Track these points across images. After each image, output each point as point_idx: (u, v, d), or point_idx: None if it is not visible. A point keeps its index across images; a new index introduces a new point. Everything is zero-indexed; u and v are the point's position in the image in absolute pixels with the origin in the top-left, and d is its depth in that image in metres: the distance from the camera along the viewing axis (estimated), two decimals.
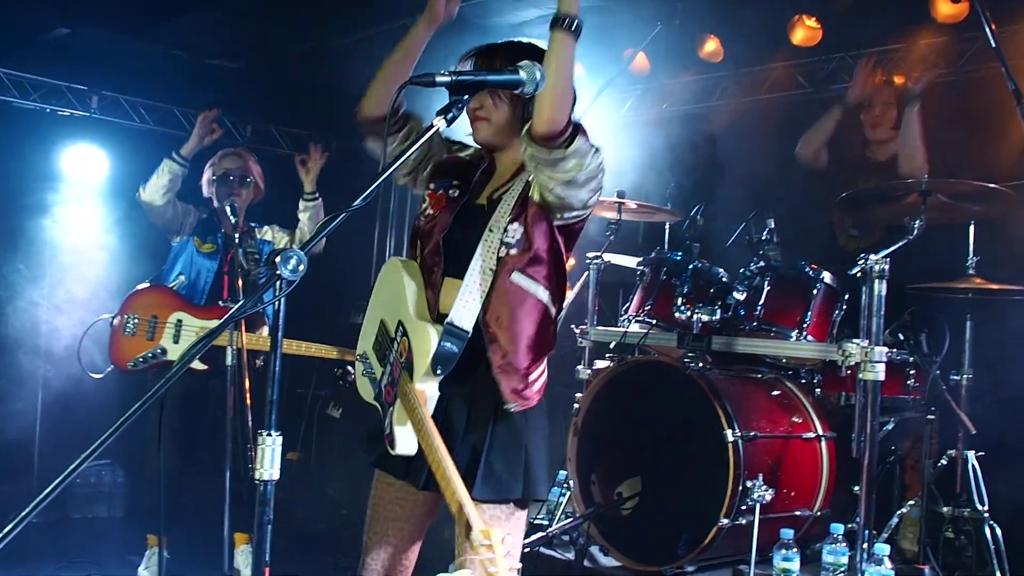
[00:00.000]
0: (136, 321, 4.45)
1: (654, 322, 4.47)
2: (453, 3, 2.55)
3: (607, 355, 4.74)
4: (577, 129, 2.29)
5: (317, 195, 4.87)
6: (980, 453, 3.89)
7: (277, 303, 1.69)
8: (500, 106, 2.49)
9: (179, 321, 4.45)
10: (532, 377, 2.47)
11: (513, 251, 2.41)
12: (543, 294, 2.47)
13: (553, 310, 2.51)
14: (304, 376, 6.65)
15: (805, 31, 5.17)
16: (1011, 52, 4.63)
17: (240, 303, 1.61)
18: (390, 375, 2.50)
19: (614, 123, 6.25)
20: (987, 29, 3.21)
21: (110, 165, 6.46)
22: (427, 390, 2.35)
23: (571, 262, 7.58)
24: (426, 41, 2.57)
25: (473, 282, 2.41)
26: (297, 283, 1.64)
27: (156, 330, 4.44)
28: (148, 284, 4.67)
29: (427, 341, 2.37)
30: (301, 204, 4.87)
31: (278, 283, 1.64)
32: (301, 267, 1.62)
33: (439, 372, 2.35)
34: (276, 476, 1.81)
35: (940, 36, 5.03)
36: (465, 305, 2.40)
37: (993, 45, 3.20)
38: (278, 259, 1.59)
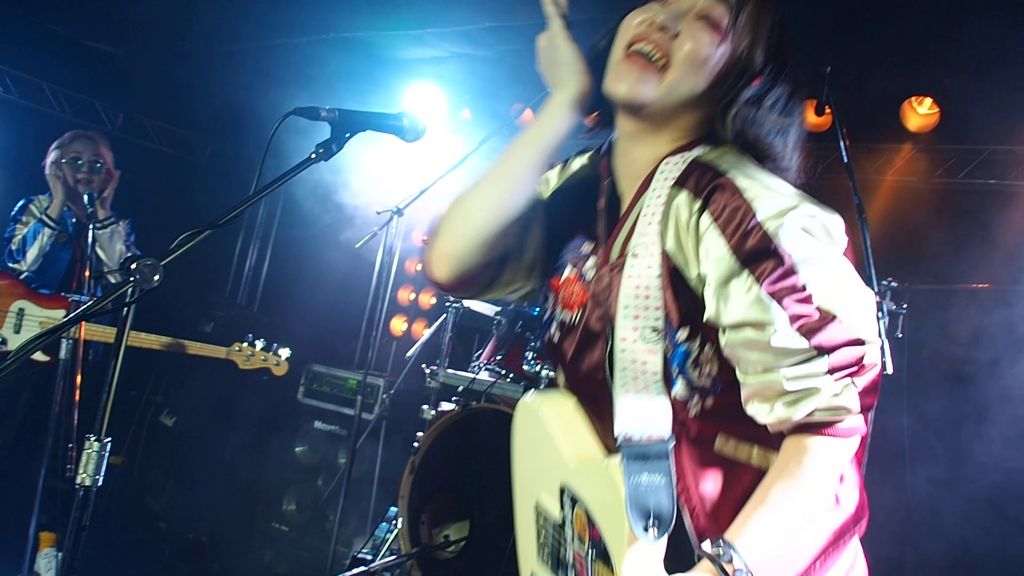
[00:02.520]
0: None
1: (503, 372, 4.55)
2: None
3: (453, 398, 4.80)
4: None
5: (112, 217, 4.55)
6: None
7: (127, 310, 1.67)
8: (702, 43, 1.52)
9: (21, 310, 4.25)
10: None
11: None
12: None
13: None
14: (141, 379, 6.40)
15: None
16: (863, 168, 5.02)
17: (87, 305, 1.58)
18: None
19: None
20: (842, 143, 3.44)
21: None
22: (643, 569, 1.37)
23: (432, 301, 7.58)
24: (561, 140, 1.67)
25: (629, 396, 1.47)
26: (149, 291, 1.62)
27: None
28: None
29: (613, 482, 1.43)
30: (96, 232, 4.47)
31: (130, 290, 1.62)
32: (156, 277, 1.61)
33: (651, 532, 1.34)
34: (99, 483, 1.77)
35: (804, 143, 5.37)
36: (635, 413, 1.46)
37: (846, 160, 3.43)
38: (134, 266, 1.57)
